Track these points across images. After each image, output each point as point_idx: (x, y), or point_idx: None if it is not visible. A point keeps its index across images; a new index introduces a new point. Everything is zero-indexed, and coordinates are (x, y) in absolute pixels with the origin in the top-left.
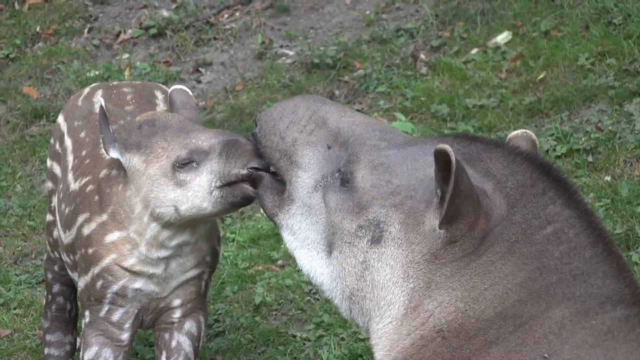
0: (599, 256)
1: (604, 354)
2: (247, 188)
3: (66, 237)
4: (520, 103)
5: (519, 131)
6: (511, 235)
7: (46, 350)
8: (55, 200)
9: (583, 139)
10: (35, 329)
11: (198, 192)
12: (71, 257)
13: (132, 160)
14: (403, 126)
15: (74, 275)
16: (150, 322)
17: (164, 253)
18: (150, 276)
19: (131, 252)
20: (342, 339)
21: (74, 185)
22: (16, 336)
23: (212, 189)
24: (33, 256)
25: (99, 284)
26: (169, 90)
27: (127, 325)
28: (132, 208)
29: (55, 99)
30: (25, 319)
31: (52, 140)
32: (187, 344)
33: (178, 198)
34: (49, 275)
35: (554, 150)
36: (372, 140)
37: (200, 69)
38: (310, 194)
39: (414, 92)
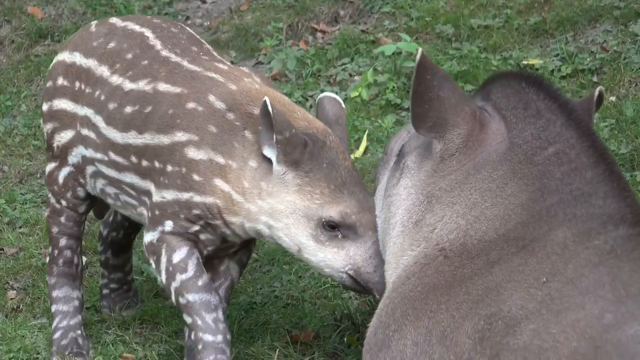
0: (600, 176)
1: (608, 272)
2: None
3: (127, 138)
4: (525, 23)
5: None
6: (513, 156)
7: (54, 308)
8: (65, 134)
9: (588, 59)
10: (41, 248)
11: (327, 260)
12: (133, 158)
13: (287, 176)
14: (408, 46)
15: (122, 176)
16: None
17: (259, 237)
18: (237, 235)
19: (236, 214)
20: None
21: (132, 85)
22: (22, 255)
23: (342, 272)
24: (38, 175)
25: (196, 211)
26: (320, 96)
27: (210, 248)
28: (258, 193)
29: (60, 19)
30: (30, 238)
31: (50, 82)
32: (235, 270)
33: (307, 245)
34: (55, 229)
35: (559, 70)
36: None
37: None
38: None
39: (419, 12)
